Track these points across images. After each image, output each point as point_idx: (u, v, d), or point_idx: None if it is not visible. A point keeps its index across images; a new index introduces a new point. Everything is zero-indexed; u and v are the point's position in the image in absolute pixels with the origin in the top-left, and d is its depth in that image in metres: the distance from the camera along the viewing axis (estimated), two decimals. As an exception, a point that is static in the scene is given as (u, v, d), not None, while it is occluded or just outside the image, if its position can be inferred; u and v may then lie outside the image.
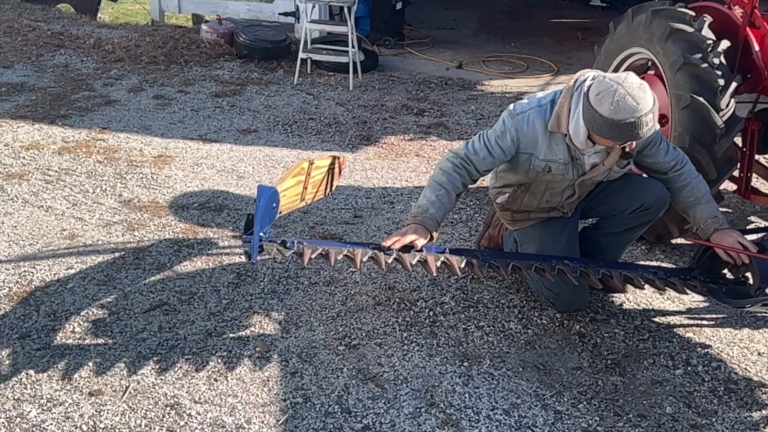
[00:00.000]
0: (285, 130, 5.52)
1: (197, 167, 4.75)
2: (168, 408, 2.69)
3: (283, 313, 3.26)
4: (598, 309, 3.39)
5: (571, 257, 3.12)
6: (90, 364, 2.89)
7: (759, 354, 3.15)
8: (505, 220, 3.39)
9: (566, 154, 2.97)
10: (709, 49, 3.62)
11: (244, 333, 3.12)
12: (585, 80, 2.87)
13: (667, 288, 3.13)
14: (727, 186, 4.11)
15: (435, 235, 2.97)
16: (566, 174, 3.03)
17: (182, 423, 2.62)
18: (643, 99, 2.70)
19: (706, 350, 3.16)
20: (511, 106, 3.05)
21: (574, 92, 2.88)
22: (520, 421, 2.70)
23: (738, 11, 3.93)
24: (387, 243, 2.86)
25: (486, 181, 3.42)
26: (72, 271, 3.51)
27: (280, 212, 3.04)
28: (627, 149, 2.90)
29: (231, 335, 3.10)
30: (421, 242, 2.89)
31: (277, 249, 2.78)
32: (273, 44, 7.18)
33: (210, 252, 3.74)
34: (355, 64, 6.69)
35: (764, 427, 2.74)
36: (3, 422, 2.58)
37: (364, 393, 2.80)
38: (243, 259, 3.63)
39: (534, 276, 3.13)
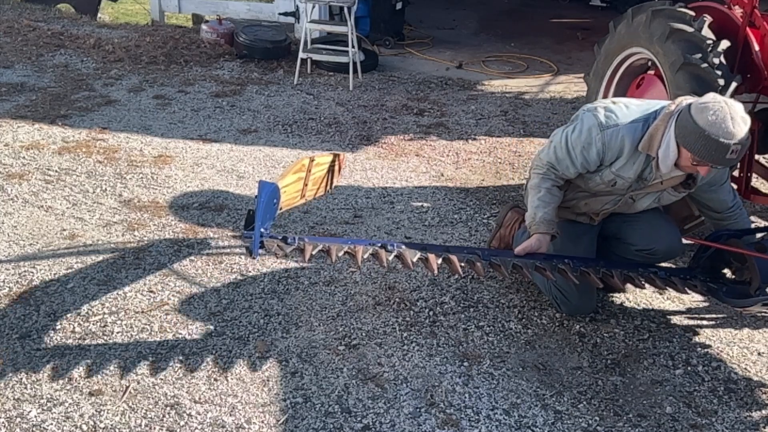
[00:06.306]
0: (285, 130, 5.52)
1: (197, 167, 4.75)
2: (168, 408, 2.69)
3: (283, 313, 3.26)
4: (598, 309, 3.39)
5: (571, 256, 3.11)
6: (90, 364, 2.89)
7: (759, 354, 3.16)
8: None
9: (638, 173, 2.92)
10: (709, 49, 3.63)
11: (244, 333, 3.12)
12: (687, 105, 2.76)
13: (667, 288, 3.14)
14: (727, 186, 4.11)
15: (555, 232, 3.01)
16: (624, 189, 3.00)
17: (182, 423, 2.62)
18: (742, 128, 2.63)
19: (706, 350, 3.16)
20: (598, 114, 2.90)
21: (672, 116, 2.79)
22: (520, 421, 2.70)
23: (738, 11, 3.93)
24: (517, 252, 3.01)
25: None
26: (72, 271, 3.51)
27: (281, 208, 3.03)
28: (693, 175, 2.90)
29: (231, 335, 3.10)
30: (543, 248, 2.99)
31: (278, 245, 2.77)
32: (273, 44, 7.18)
33: (210, 252, 3.74)
34: (355, 64, 6.69)
35: (764, 427, 2.74)
36: (3, 422, 2.58)
37: (364, 393, 2.80)
38: (243, 257, 3.63)
39: (539, 276, 3.13)
